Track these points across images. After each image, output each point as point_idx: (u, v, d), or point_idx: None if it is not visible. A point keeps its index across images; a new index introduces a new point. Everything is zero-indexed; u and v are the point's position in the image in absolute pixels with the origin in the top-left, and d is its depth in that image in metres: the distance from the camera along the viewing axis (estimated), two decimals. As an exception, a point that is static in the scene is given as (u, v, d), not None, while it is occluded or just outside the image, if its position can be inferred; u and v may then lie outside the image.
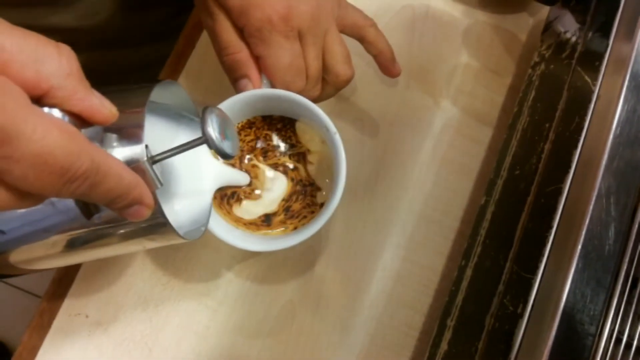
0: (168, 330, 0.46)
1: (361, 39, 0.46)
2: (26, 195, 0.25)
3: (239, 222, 0.43)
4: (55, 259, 0.35)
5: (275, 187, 0.44)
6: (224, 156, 0.32)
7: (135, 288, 0.46)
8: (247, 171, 0.44)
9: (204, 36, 0.53)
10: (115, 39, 0.60)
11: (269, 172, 0.44)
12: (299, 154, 0.45)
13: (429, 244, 0.50)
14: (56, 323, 0.46)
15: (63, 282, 0.46)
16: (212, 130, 0.31)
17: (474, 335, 0.39)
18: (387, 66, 0.47)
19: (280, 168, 0.45)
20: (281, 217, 0.43)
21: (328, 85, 0.45)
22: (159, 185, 0.30)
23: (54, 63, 0.26)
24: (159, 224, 0.32)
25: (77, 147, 0.24)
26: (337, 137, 0.41)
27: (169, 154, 0.31)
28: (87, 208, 0.30)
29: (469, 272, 0.45)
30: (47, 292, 0.47)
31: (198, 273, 0.47)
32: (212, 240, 0.48)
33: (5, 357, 1.17)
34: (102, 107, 0.28)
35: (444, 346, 0.43)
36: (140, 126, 0.30)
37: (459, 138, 0.53)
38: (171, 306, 0.46)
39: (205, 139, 0.31)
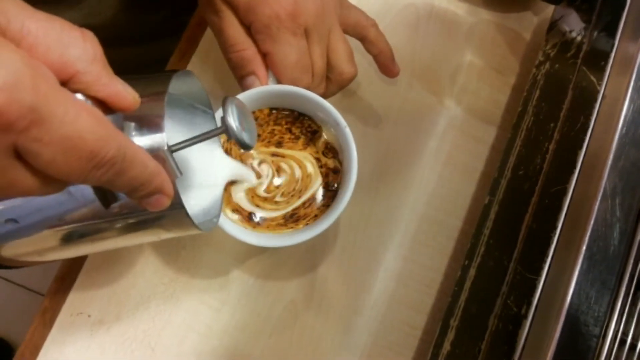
0: (170, 329, 0.46)
1: (363, 39, 0.46)
2: (51, 181, 0.24)
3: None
4: (67, 250, 0.35)
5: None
6: (243, 146, 0.32)
7: (138, 287, 0.46)
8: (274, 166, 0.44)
9: (207, 35, 0.53)
10: (119, 37, 0.60)
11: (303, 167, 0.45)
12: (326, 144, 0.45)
13: (431, 244, 0.50)
14: (58, 322, 0.45)
15: (65, 280, 0.46)
16: (232, 120, 0.31)
17: (477, 336, 0.39)
18: (387, 65, 0.48)
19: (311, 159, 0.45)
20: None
21: (331, 83, 0.45)
22: (178, 175, 0.30)
23: (79, 48, 0.26)
24: (177, 214, 0.32)
25: (106, 132, 0.24)
26: (348, 131, 0.41)
27: (187, 143, 0.31)
28: (105, 197, 0.29)
29: (472, 272, 0.44)
30: (49, 291, 0.47)
31: (200, 272, 0.47)
32: (215, 239, 0.48)
33: (7, 354, 1.17)
34: (126, 93, 0.27)
35: (446, 347, 0.43)
36: (160, 115, 0.30)
37: (462, 137, 0.53)
38: (173, 305, 0.46)
39: (225, 129, 0.31)
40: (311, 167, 0.44)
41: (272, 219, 0.43)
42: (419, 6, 0.56)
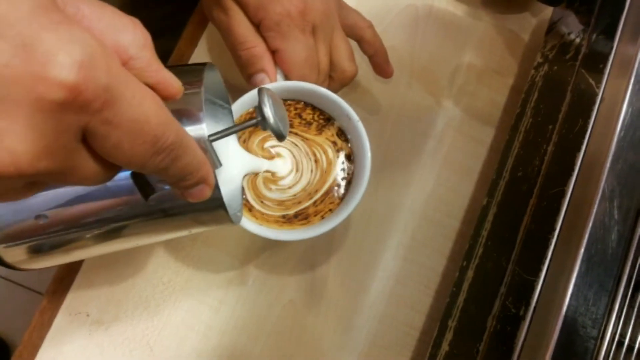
0: (169, 329, 0.46)
1: (360, 39, 0.47)
2: (109, 169, 0.24)
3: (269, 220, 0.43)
4: (96, 247, 0.34)
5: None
6: (279, 136, 0.32)
7: (137, 287, 0.46)
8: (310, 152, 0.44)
9: (206, 34, 0.53)
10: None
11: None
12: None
13: (430, 244, 0.50)
14: (57, 322, 0.45)
15: (64, 280, 0.46)
16: (269, 110, 0.31)
17: (475, 336, 0.39)
18: (382, 66, 0.49)
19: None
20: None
21: (333, 81, 0.46)
22: (218, 165, 0.30)
23: (130, 33, 0.25)
24: (213, 205, 0.32)
25: (167, 116, 0.23)
26: (360, 125, 0.42)
27: (224, 133, 0.31)
28: (144, 188, 0.29)
29: (470, 273, 0.45)
30: (48, 291, 0.47)
31: (200, 272, 0.47)
32: (214, 239, 0.48)
33: (4, 352, 1.17)
34: (173, 81, 0.27)
35: (445, 347, 0.43)
36: (198, 105, 0.30)
37: (460, 138, 0.53)
38: (172, 305, 0.46)
39: (260, 119, 0.31)
40: (331, 153, 0.44)
41: (270, 216, 0.43)
42: (418, 7, 0.56)
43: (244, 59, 0.42)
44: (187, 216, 0.33)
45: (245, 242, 0.48)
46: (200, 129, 0.29)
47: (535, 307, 0.35)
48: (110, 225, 0.32)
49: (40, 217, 0.30)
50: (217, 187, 0.29)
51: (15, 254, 0.32)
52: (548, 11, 0.55)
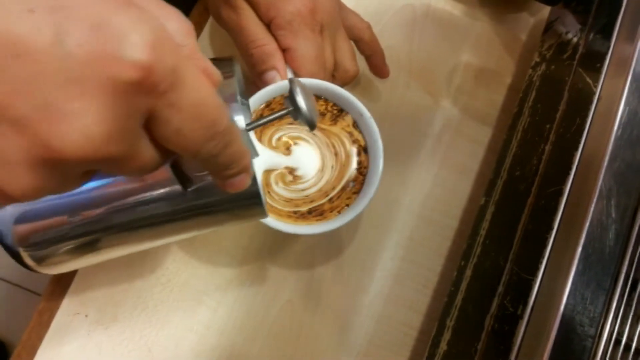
0: (167, 329, 0.46)
1: (358, 40, 0.48)
2: (164, 155, 0.23)
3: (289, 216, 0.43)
4: (128, 246, 0.34)
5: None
6: (312, 126, 0.32)
7: (135, 288, 0.46)
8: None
9: (204, 34, 0.53)
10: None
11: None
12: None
13: (428, 244, 0.50)
14: (55, 322, 0.45)
15: (62, 281, 0.46)
16: (301, 100, 0.31)
17: (473, 335, 0.39)
18: (379, 66, 0.50)
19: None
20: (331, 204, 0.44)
21: (335, 80, 0.46)
22: (256, 155, 0.30)
23: (175, 21, 0.25)
24: (250, 197, 0.32)
25: (220, 101, 0.23)
26: (372, 121, 0.43)
27: (258, 123, 0.31)
28: (183, 180, 0.28)
29: (468, 272, 0.45)
30: (46, 291, 0.46)
31: (197, 273, 0.47)
32: (212, 239, 0.48)
33: (2, 353, 1.16)
34: (214, 70, 0.26)
35: (443, 346, 0.43)
36: (234, 96, 0.30)
37: (458, 138, 0.53)
38: (170, 306, 0.46)
39: (293, 109, 0.31)
40: (348, 144, 0.44)
41: (280, 210, 0.43)
42: (415, 7, 0.56)
43: (256, 56, 0.43)
44: (221, 209, 0.33)
45: (244, 242, 0.48)
46: (238, 120, 0.29)
47: (533, 306, 0.35)
48: (144, 221, 0.31)
49: (74, 215, 0.30)
50: (254, 178, 0.29)
51: (41, 256, 0.32)
52: (545, 10, 0.55)
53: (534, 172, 0.42)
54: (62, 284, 0.46)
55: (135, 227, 0.32)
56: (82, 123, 0.18)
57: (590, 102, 0.39)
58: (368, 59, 0.50)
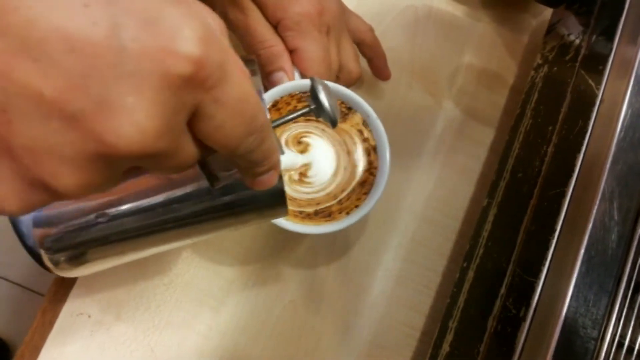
0: (170, 330, 0.46)
1: (360, 42, 0.49)
2: (201, 151, 0.23)
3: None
4: (150, 247, 0.33)
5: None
6: (334, 123, 0.32)
7: (138, 288, 0.46)
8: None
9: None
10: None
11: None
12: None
13: (430, 245, 0.50)
14: (58, 323, 0.45)
15: (65, 281, 0.46)
16: (324, 98, 0.31)
17: (476, 337, 0.40)
18: (380, 68, 0.50)
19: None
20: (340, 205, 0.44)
21: (339, 82, 0.47)
22: (283, 152, 0.30)
23: (211, 17, 0.25)
24: (275, 195, 0.32)
25: (258, 96, 0.23)
26: (379, 122, 0.43)
27: (282, 120, 0.31)
28: (210, 178, 0.28)
29: (470, 273, 0.45)
30: (49, 292, 0.47)
31: (200, 273, 0.47)
32: (215, 240, 0.48)
33: (4, 353, 1.17)
34: (245, 67, 0.26)
35: (445, 348, 0.43)
36: (260, 93, 0.30)
37: (460, 139, 0.53)
38: (173, 306, 0.46)
39: (315, 107, 0.31)
40: (359, 143, 0.44)
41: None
42: (417, 8, 0.56)
43: (264, 57, 0.43)
44: (246, 207, 0.33)
45: (246, 242, 0.48)
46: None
47: (535, 308, 0.35)
48: (169, 222, 0.31)
49: (100, 216, 0.29)
50: (280, 176, 0.29)
51: (63, 258, 0.32)
52: (547, 12, 0.55)
53: (536, 174, 0.42)
54: (65, 285, 0.46)
55: (160, 228, 0.32)
56: (135, 118, 0.18)
57: (593, 104, 0.39)
58: (370, 61, 0.50)
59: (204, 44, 0.19)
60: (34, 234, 0.30)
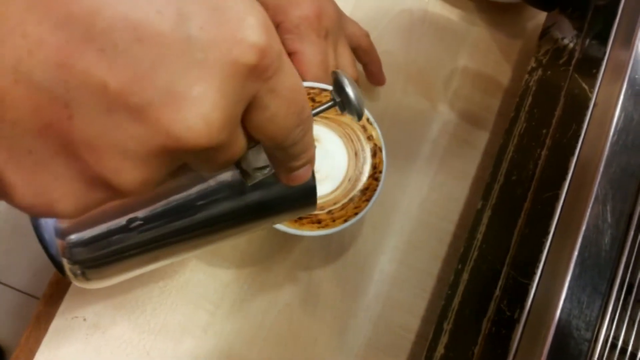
0: (166, 333, 0.46)
1: (356, 47, 0.49)
2: (247, 144, 0.22)
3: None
4: (178, 254, 0.32)
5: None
6: (360, 116, 0.31)
7: (133, 291, 0.46)
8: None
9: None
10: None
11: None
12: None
13: (425, 248, 0.50)
14: (53, 326, 0.45)
15: (60, 284, 0.46)
16: (350, 91, 0.30)
17: (470, 339, 0.40)
18: (376, 74, 0.51)
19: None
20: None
21: None
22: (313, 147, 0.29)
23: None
24: (307, 189, 0.31)
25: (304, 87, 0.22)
26: (377, 126, 0.43)
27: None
28: (244, 175, 0.27)
29: (465, 276, 0.45)
30: (44, 295, 0.47)
31: (196, 276, 0.47)
32: (210, 243, 0.48)
33: (0, 357, 1.16)
34: None
35: (440, 350, 0.43)
36: None
37: (455, 142, 0.53)
38: (169, 309, 0.46)
39: (339, 101, 0.30)
40: (363, 140, 0.44)
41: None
42: (413, 12, 0.56)
43: None
44: (277, 203, 0.32)
45: (241, 245, 0.48)
46: None
47: (529, 310, 0.35)
48: (200, 226, 0.30)
49: (133, 220, 0.28)
50: (312, 171, 0.28)
51: (87, 269, 0.29)
52: (541, 16, 0.55)
53: (530, 177, 0.42)
54: (60, 288, 0.46)
55: (192, 233, 0.30)
56: (202, 109, 0.18)
57: (586, 108, 0.39)
58: (365, 66, 0.51)
59: (266, 33, 0.19)
60: (58, 242, 0.27)
